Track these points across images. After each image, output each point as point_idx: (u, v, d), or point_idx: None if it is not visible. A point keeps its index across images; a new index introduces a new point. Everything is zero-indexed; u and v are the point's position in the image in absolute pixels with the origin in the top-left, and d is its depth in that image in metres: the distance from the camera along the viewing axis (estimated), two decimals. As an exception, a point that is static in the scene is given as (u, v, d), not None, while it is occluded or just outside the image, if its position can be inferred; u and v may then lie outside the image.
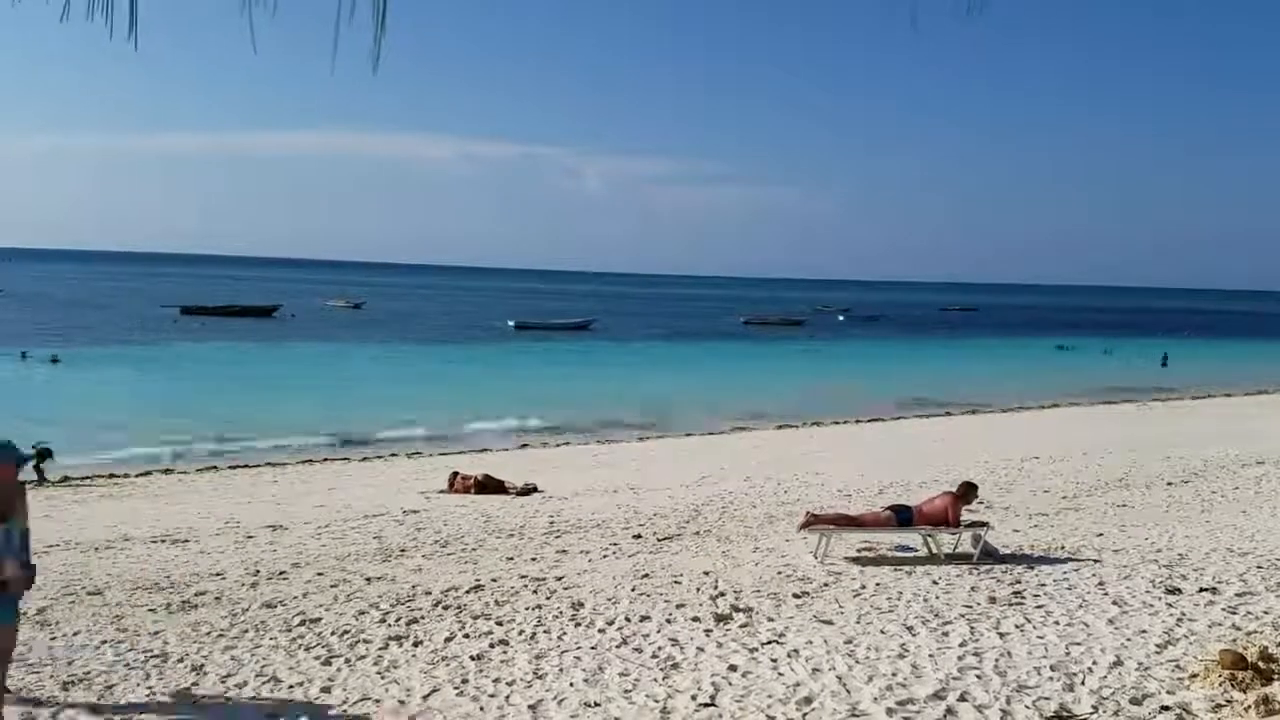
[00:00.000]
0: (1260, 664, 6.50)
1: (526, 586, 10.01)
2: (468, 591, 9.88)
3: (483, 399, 34.31)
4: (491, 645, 8.04)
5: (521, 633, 8.35)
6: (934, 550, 10.79)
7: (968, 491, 11.15)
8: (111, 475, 21.10)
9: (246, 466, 22.61)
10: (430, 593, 9.91)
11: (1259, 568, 9.94)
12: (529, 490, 17.77)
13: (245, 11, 3.54)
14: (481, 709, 6.65)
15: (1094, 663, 7.10)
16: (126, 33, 3.43)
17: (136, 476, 21.06)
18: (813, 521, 11.00)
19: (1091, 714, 6.19)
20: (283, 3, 3.64)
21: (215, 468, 22.40)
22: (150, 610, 9.67)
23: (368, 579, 10.75)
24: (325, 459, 23.71)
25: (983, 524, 11.01)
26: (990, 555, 10.60)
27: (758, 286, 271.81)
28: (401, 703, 6.83)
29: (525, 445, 26.08)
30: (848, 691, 6.66)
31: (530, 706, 6.64)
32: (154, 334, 59.35)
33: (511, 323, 77.45)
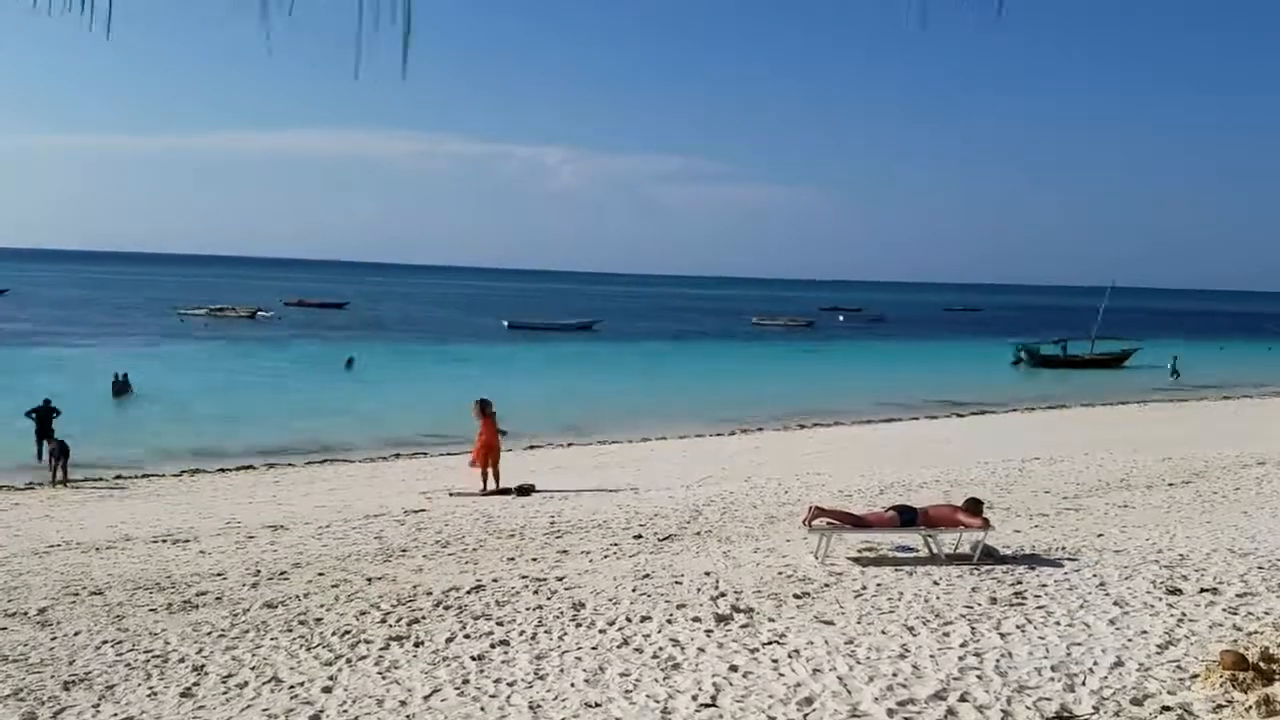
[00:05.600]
0: (1261, 665, 6.49)
1: (527, 587, 10.01)
2: (469, 592, 9.88)
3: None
4: (492, 645, 8.04)
5: (522, 633, 8.35)
6: (934, 551, 10.78)
7: (974, 508, 11.09)
8: (119, 475, 21.12)
9: (249, 468, 22.61)
10: (431, 593, 9.91)
11: (1260, 568, 9.92)
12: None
13: (263, 15, 3.53)
14: (482, 709, 6.65)
15: (1095, 663, 7.09)
16: (105, 23, 3.42)
17: (139, 477, 21.08)
18: (818, 514, 10.98)
19: (1092, 714, 6.18)
20: (276, 4, 3.64)
21: (223, 469, 22.34)
22: (151, 610, 9.68)
23: (369, 579, 10.76)
24: (325, 460, 23.71)
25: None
26: (991, 556, 10.60)
27: (761, 286, 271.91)
28: (403, 703, 6.84)
29: (534, 446, 26.05)
30: (848, 692, 6.66)
31: (531, 707, 6.64)
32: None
33: (505, 323, 76.76)
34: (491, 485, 17.97)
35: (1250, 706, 5.96)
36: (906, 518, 10.86)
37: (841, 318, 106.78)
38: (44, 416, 21.89)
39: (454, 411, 25.54)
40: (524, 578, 10.45)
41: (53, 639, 8.74)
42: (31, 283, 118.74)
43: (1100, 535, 12.17)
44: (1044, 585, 9.39)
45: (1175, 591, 9.05)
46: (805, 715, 6.31)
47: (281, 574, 11.20)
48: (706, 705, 6.52)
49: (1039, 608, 8.61)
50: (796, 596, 9.23)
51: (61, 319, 68.81)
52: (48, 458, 20.34)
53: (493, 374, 43.15)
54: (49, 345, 50.79)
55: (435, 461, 23.16)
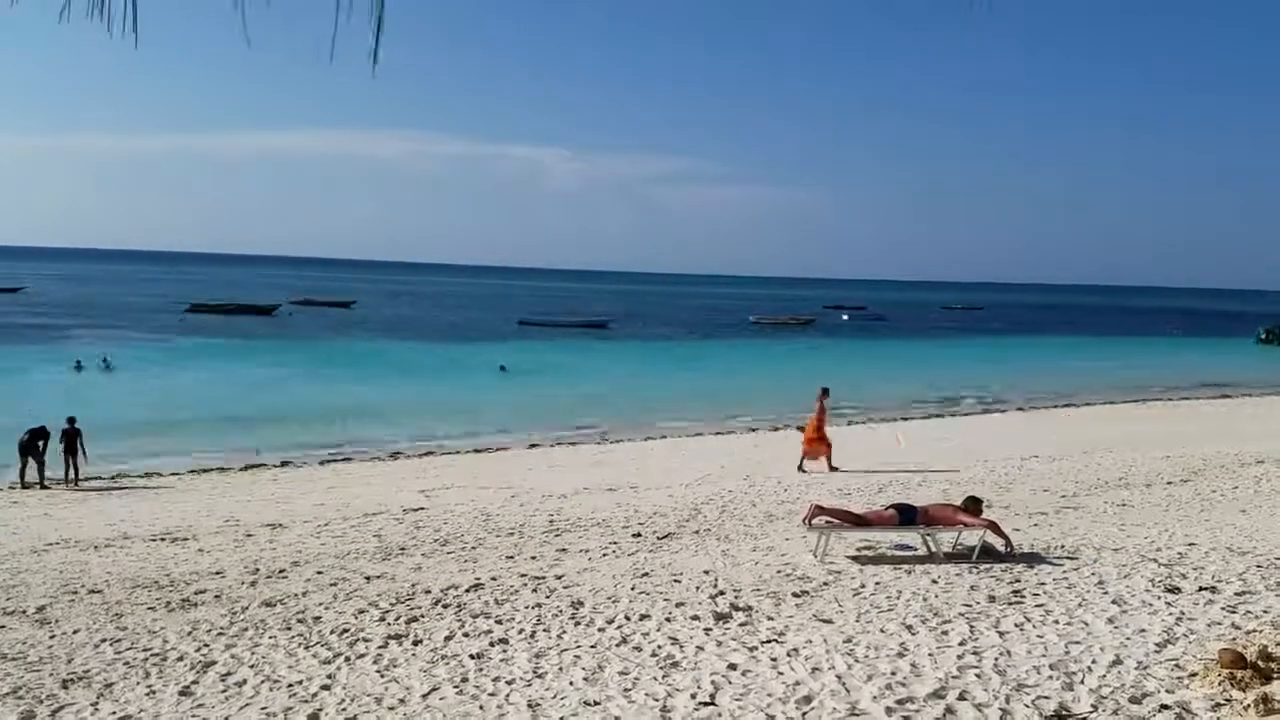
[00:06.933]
0: (1260, 663, 6.49)
1: (526, 585, 10.01)
2: (467, 590, 9.89)
3: (483, 398, 34.41)
4: (491, 644, 8.04)
5: (521, 631, 8.35)
6: (933, 549, 10.78)
7: (973, 506, 11.09)
8: (118, 474, 21.10)
9: (255, 467, 22.56)
10: (430, 591, 9.91)
11: (1258, 567, 9.92)
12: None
13: (238, 7, 3.52)
14: (481, 708, 6.65)
15: (1093, 661, 7.09)
16: (124, 30, 3.43)
17: (139, 476, 21.07)
18: (818, 512, 10.98)
19: (1091, 713, 6.18)
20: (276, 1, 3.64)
21: (223, 468, 22.29)
22: (150, 609, 9.69)
23: (367, 577, 10.76)
24: (323, 461, 23.68)
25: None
26: (990, 554, 10.60)
27: (761, 285, 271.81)
28: (401, 701, 6.84)
29: (534, 445, 26.04)
30: (847, 690, 6.66)
31: (530, 705, 6.64)
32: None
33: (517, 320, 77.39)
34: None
35: (1249, 705, 5.96)
36: (906, 516, 10.86)
37: (846, 316, 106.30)
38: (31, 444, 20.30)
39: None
40: (523, 576, 10.45)
41: (51, 637, 8.74)
42: (43, 281, 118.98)
43: (1099, 534, 12.17)
44: (1042, 583, 9.39)
45: (1174, 590, 9.05)
46: (804, 714, 6.31)
47: (280, 572, 11.21)
48: (705, 704, 6.51)
49: (1038, 606, 8.61)
50: (795, 595, 9.22)
51: (74, 316, 69.06)
52: (64, 455, 19.97)
53: (492, 371, 43.32)
54: (63, 341, 50.81)
55: (437, 460, 23.16)
